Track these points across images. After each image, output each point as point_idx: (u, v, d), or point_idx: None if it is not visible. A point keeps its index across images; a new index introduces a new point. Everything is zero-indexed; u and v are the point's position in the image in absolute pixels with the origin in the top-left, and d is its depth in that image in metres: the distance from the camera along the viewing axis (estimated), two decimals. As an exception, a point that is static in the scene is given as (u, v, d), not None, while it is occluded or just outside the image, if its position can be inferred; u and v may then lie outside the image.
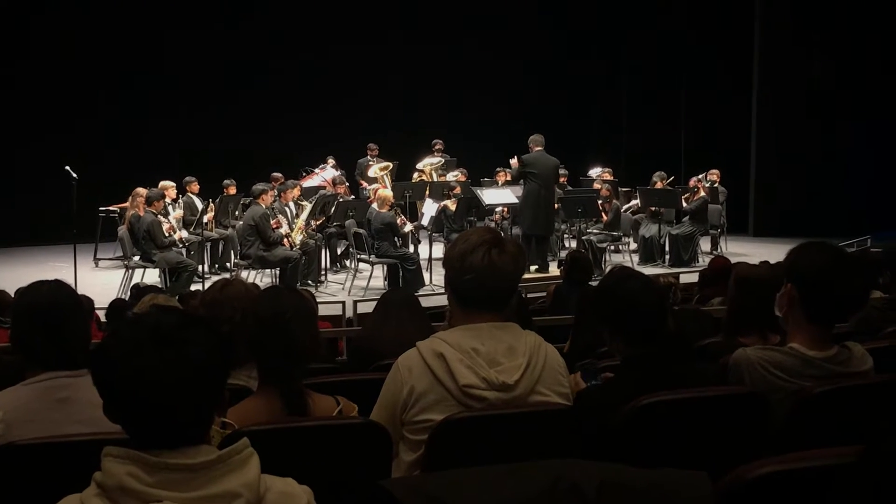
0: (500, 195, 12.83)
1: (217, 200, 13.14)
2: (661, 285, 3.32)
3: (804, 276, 2.90)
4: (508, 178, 14.18)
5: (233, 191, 13.50)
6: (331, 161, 15.31)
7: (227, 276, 12.59)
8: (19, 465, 2.49)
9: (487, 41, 18.08)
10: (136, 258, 11.53)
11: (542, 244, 12.28)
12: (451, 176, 14.85)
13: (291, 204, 12.40)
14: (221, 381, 1.85)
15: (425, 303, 6.36)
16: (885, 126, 16.23)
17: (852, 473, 1.46)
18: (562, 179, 15.15)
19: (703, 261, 12.93)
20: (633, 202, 14.60)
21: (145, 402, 1.74)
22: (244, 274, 11.72)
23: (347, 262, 13.35)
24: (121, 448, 1.74)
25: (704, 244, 14.40)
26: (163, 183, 12.55)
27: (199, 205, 12.85)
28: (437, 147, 15.54)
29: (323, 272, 12.57)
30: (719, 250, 14.26)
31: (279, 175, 13.65)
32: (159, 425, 1.75)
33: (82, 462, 1.87)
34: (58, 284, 3.02)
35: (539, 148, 12.16)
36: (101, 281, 12.11)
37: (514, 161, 12.45)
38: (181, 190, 13.17)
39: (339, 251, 13.63)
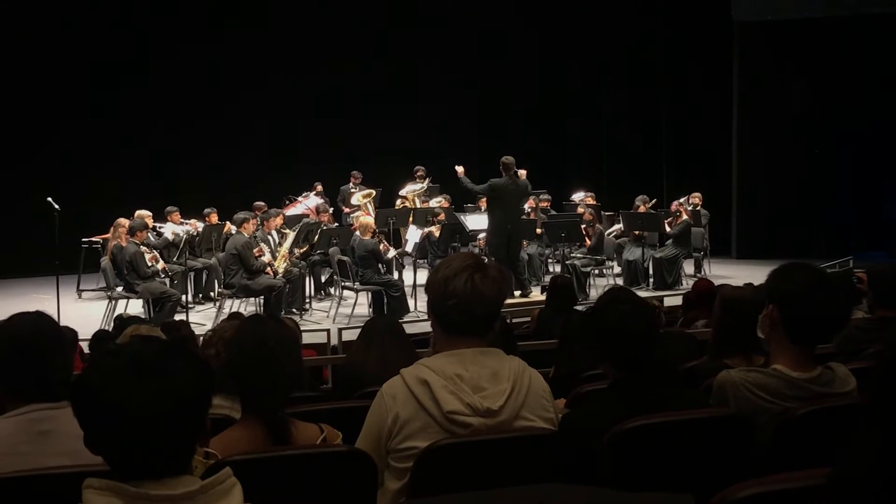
0: (483, 221, 12.84)
1: (200, 229, 13.12)
2: (653, 311, 3.25)
3: (786, 297, 2.92)
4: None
5: (214, 219, 13.46)
6: (318, 186, 15.33)
7: (210, 305, 12.60)
8: (0, 500, 2.47)
9: (469, 69, 18.18)
10: (119, 289, 11.48)
11: (516, 269, 12.13)
12: (435, 202, 14.88)
13: (274, 232, 12.38)
14: (204, 410, 1.83)
15: (410, 329, 6.35)
16: (865, 148, 16.35)
17: (820, 497, 1.46)
18: (544, 204, 15.20)
19: (687, 283, 12.97)
20: (617, 226, 14.64)
21: (127, 433, 1.72)
22: (228, 303, 11.68)
23: (332, 290, 13.34)
24: (102, 480, 1.73)
25: (688, 267, 14.44)
26: (139, 212, 12.44)
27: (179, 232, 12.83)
28: (418, 174, 15.56)
29: (307, 300, 12.55)
30: (703, 273, 14.29)
31: (262, 203, 13.64)
32: (141, 456, 1.74)
33: (64, 495, 1.86)
34: (39, 316, 2.99)
35: (510, 172, 12.01)
36: (84, 312, 12.05)
37: (459, 169, 12.34)
38: (162, 219, 13.13)
39: (323, 279, 13.61)
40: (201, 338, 6.88)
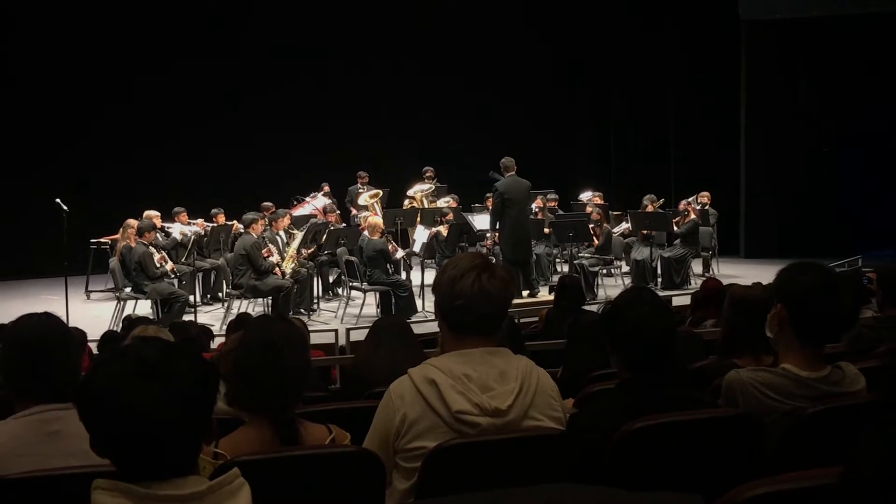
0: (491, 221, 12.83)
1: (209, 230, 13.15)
2: (672, 316, 3.15)
3: (793, 296, 2.91)
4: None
5: (222, 219, 13.48)
6: (325, 187, 15.34)
7: (219, 306, 12.61)
8: (9, 500, 2.47)
9: (475, 69, 18.15)
10: (128, 290, 11.49)
11: (525, 269, 12.17)
12: (443, 202, 14.86)
13: (282, 233, 12.39)
14: (208, 410, 1.83)
15: (418, 329, 6.34)
16: (873, 146, 16.31)
17: (834, 495, 1.45)
18: (552, 203, 15.20)
19: (695, 283, 12.93)
20: (624, 225, 14.60)
21: (132, 435, 1.73)
22: (236, 303, 11.69)
23: (339, 290, 13.33)
24: (110, 480, 1.73)
25: (696, 266, 14.40)
26: (147, 212, 12.46)
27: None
28: (427, 174, 15.58)
29: (315, 300, 12.54)
30: (711, 272, 14.26)
31: (270, 204, 13.64)
32: (147, 457, 1.74)
33: (72, 495, 1.86)
34: (47, 317, 2.99)
35: (511, 172, 12.03)
36: (92, 313, 12.06)
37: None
38: (169, 220, 13.15)
39: (331, 279, 13.61)
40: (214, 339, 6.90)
